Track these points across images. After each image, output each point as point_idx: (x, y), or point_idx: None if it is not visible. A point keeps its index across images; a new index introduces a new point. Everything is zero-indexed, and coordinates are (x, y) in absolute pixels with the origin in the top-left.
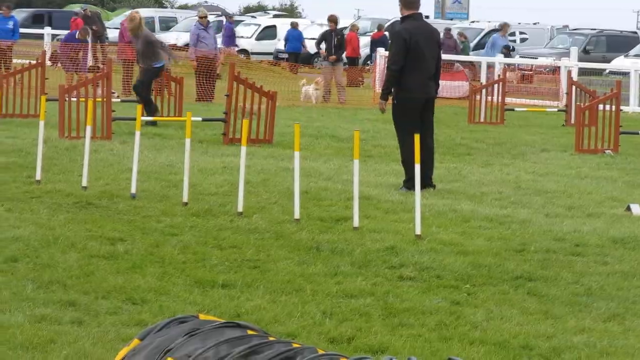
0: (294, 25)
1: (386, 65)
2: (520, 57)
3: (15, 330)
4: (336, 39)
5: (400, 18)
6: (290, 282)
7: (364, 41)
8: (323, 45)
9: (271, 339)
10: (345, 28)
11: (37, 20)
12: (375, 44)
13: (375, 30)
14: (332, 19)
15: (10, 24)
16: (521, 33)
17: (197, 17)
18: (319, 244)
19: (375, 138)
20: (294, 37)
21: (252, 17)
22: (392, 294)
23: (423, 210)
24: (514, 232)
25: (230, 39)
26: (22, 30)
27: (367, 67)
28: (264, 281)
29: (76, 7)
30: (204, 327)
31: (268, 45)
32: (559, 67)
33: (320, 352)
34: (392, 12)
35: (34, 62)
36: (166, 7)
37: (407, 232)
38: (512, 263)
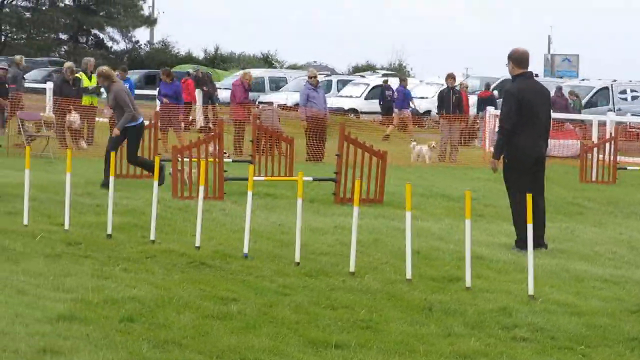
0: (403, 84)
1: (498, 124)
2: (632, 115)
3: None
4: (454, 97)
5: (512, 77)
6: (403, 342)
7: (472, 100)
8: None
9: None
10: (455, 87)
11: (149, 82)
12: (483, 102)
13: (483, 89)
14: (451, 76)
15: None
16: (632, 91)
17: (306, 77)
18: (432, 304)
19: (487, 197)
20: (404, 96)
21: (361, 76)
22: (506, 355)
23: (536, 271)
24: (629, 292)
25: (403, 102)
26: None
27: (477, 126)
28: (377, 341)
29: (188, 68)
30: None
31: (377, 105)
32: None
33: None
34: (500, 70)
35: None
36: (276, 67)
37: (520, 292)
38: (627, 324)
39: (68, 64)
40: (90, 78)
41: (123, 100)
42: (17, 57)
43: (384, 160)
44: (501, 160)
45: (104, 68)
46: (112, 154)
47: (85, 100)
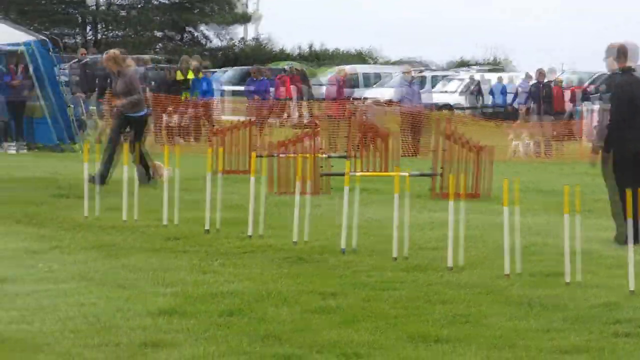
0: (499, 79)
1: (609, 118)
2: None
3: None
4: (544, 92)
5: (621, 70)
6: (503, 337)
7: (568, 95)
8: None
9: None
10: (551, 82)
11: (244, 78)
12: (582, 97)
13: (583, 84)
14: (541, 72)
15: (204, 84)
16: None
17: (401, 73)
18: (531, 299)
19: (585, 192)
20: (499, 91)
21: (456, 72)
22: (608, 350)
23: (636, 266)
24: None
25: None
26: (231, 88)
27: (572, 121)
28: (476, 336)
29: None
30: None
31: (472, 100)
32: None
33: None
34: (596, 65)
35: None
36: (370, 64)
37: (621, 287)
38: None
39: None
40: (185, 75)
41: (137, 85)
42: (146, 57)
43: (486, 155)
44: (600, 155)
45: (115, 51)
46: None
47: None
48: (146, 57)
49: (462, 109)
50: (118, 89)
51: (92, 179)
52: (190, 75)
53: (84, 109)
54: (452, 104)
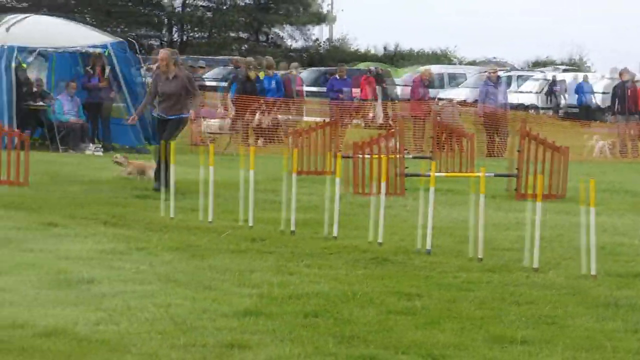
0: (585, 79)
1: None
2: None
3: None
4: (629, 91)
5: None
6: (589, 338)
7: None
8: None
9: None
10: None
11: (319, 80)
12: None
13: None
14: (625, 72)
15: (273, 83)
16: None
17: (486, 74)
18: (618, 299)
19: None
20: (583, 91)
21: (540, 71)
22: None
23: None
24: None
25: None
26: (313, 89)
27: None
28: (562, 337)
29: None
30: None
31: (550, 100)
32: None
33: None
34: None
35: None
36: (454, 64)
37: None
38: None
39: (247, 59)
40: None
41: (195, 85)
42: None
43: (565, 156)
44: None
45: (168, 51)
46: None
47: None
48: (248, 59)
49: (539, 109)
50: (169, 89)
51: (158, 187)
52: (262, 75)
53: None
54: (536, 104)
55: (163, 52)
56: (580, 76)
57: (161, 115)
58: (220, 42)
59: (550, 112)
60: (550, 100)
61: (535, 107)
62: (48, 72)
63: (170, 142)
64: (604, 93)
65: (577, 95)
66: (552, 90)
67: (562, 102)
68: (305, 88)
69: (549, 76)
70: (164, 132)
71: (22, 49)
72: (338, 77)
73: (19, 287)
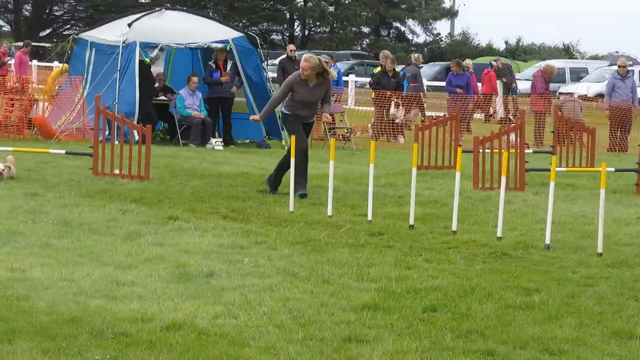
0: None
1: None
2: None
3: None
4: None
5: None
6: None
7: None
8: None
9: None
10: None
11: (440, 74)
12: None
13: None
14: None
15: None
16: None
17: (614, 67)
18: None
19: None
20: None
21: None
22: None
23: None
24: None
25: None
26: (434, 83)
27: None
28: None
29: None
30: None
31: None
32: None
33: None
34: None
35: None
36: (577, 58)
37: None
38: None
39: (385, 52)
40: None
41: (330, 94)
42: (415, 55)
43: None
44: None
45: (315, 59)
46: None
47: (372, 94)
48: (415, 55)
49: None
50: (314, 97)
51: (303, 195)
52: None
53: None
54: None
55: (309, 62)
56: None
57: (302, 119)
58: (343, 36)
59: None
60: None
61: None
62: (165, 67)
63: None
64: None
65: None
66: None
67: None
68: (427, 83)
69: None
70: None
71: (144, 45)
72: (454, 72)
73: (145, 281)
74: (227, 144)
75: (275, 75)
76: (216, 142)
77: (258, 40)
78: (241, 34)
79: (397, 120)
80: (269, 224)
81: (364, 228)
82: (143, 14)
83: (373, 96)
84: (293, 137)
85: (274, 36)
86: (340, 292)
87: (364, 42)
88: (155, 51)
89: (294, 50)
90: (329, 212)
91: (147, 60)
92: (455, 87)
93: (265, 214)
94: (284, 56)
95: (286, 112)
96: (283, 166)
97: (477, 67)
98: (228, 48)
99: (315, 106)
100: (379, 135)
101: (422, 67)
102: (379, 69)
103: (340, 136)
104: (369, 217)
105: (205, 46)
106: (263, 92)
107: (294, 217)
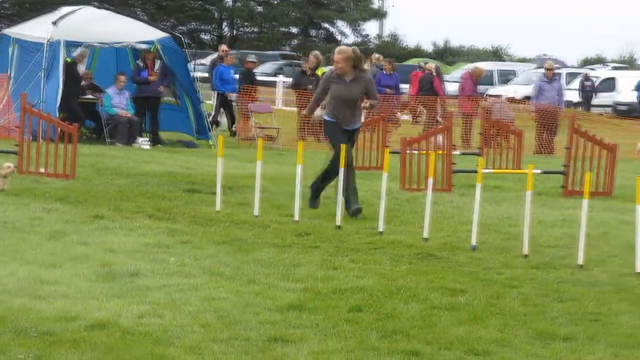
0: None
1: None
2: None
3: None
4: None
5: None
6: (633, 335)
7: None
8: None
9: None
10: None
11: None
12: None
13: None
14: None
15: None
16: None
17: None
18: None
19: None
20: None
21: (591, 69)
22: None
23: None
24: None
25: None
26: None
27: None
28: (605, 335)
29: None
30: None
31: (607, 98)
32: None
33: None
34: None
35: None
36: (505, 61)
37: None
38: None
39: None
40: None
41: (375, 89)
42: (376, 55)
43: (614, 153)
44: None
45: (347, 51)
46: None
47: None
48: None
49: (596, 106)
50: (352, 93)
51: (357, 211)
52: (319, 72)
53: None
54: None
55: (341, 54)
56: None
57: (341, 124)
58: (271, 36)
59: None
60: (581, 96)
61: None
62: (89, 65)
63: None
64: None
65: (637, 93)
66: (584, 86)
67: (594, 99)
68: None
69: (600, 74)
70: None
71: (69, 43)
72: (385, 72)
73: (69, 280)
74: (154, 143)
75: (205, 75)
76: (143, 141)
77: (184, 41)
78: (167, 35)
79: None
80: (195, 223)
81: (291, 228)
82: (69, 12)
83: None
84: (341, 147)
85: (202, 36)
86: (265, 292)
87: (293, 43)
88: (78, 50)
89: (226, 51)
90: (256, 212)
91: (69, 59)
92: (385, 87)
93: (191, 213)
94: (215, 56)
95: (327, 118)
96: (329, 175)
97: (405, 69)
98: (152, 49)
99: (356, 106)
100: (304, 136)
101: (382, 65)
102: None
103: (267, 136)
104: (296, 217)
105: (130, 47)
106: (191, 92)
107: (220, 217)
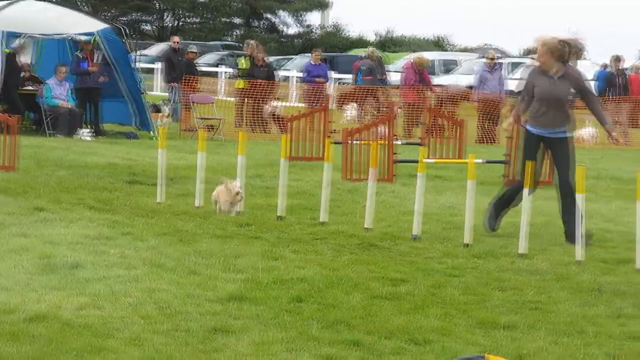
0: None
1: None
2: None
3: None
4: (621, 79)
5: None
6: (573, 323)
7: None
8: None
9: None
10: (627, 69)
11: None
12: None
13: None
14: (617, 59)
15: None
16: None
17: (482, 59)
18: (601, 285)
19: None
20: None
21: (533, 59)
22: None
23: None
24: None
25: None
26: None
27: None
28: (545, 322)
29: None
30: None
31: None
32: None
33: None
34: None
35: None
36: (447, 50)
37: None
38: None
39: (251, 42)
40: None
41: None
42: (370, 49)
43: None
44: None
45: (552, 40)
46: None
47: (240, 83)
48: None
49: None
50: (559, 91)
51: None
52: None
53: (173, 97)
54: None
55: (544, 45)
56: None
57: (537, 131)
58: (213, 27)
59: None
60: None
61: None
62: (33, 57)
63: (569, 177)
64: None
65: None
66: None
67: None
68: (297, 74)
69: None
70: (536, 153)
71: (9, 34)
72: (313, 62)
73: (8, 272)
74: (96, 134)
75: (146, 65)
76: (84, 133)
77: (124, 32)
78: (107, 26)
79: (277, 112)
80: (136, 214)
81: (232, 219)
82: (9, 2)
83: (242, 86)
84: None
85: (144, 26)
86: (206, 283)
87: (235, 33)
88: (17, 41)
89: (179, 42)
90: (197, 203)
91: (7, 50)
92: (315, 77)
93: (132, 204)
94: (168, 48)
95: (525, 126)
96: (512, 193)
97: (348, 59)
98: (93, 40)
99: (563, 108)
100: (254, 127)
101: (295, 59)
102: (243, 59)
103: (209, 127)
104: (238, 208)
105: (69, 38)
106: (131, 82)
107: (162, 208)
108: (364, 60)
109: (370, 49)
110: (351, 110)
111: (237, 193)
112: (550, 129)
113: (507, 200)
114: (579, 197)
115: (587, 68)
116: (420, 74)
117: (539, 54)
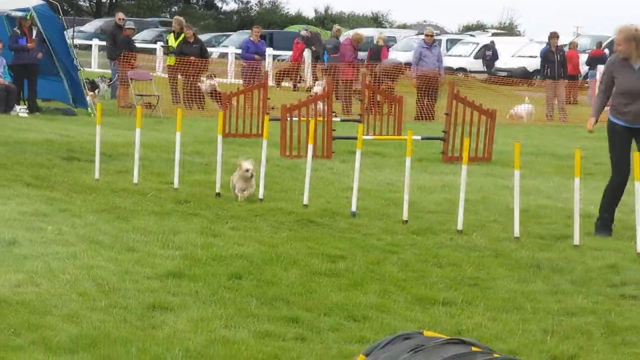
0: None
1: None
2: None
3: (241, 346)
4: (558, 56)
5: None
6: (511, 299)
7: (583, 59)
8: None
9: (496, 355)
10: (564, 45)
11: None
12: (594, 61)
13: (594, 48)
14: (555, 36)
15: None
16: None
17: (421, 36)
18: (539, 261)
19: (596, 156)
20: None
21: (471, 35)
22: (614, 313)
23: None
24: None
25: None
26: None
27: (586, 85)
28: (484, 299)
29: (297, 28)
30: (428, 344)
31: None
32: None
33: None
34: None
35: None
36: (385, 27)
37: (628, 250)
38: None
39: (179, 19)
40: (177, 38)
41: None
42: (336, 26)
43: (493, 119)
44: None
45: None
46: None
47: (170, 60)
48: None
49: (477, 72)
50: (637, 83)
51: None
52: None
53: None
54: (466, 67)
55: (623, 33)
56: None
57: (626, 124)
58: (150, 3)
59: (485, 76)
60: (485, 64)
61: (465, 71)
62: None
63: None
64: (531, 57)
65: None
66: (485, 55)
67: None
68: (235, 51)
69: (480, 40)
70: (629, 148)
71: None
72: (252, 40)
73: None
74: (32, 110)
75: (83, 42)
76: (21, 109)
77: (60, 7)
78: (42, 2)
79: (215, 89)
80: (74, 191)
81: (170, 196)
82: None
83: (172, 62)
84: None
85: (81, 2)
86: (144, 260)
87: (173, 9)
88: None
89: (123, 19)
90: (135, 180)
91: None
92: (254, 54)
93: (70, 181)
94: (112, 23)
95: (611, 119)
96: (615, 192)
97: (287, 36)
98: (28, 16)
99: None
100: (190, 103)
101: (231, 35)
102: (171, 35)
103: (147, 104)
104: (175, 185)
105: (5, 14)
106: (66, 58)
107: (100, 185)
108: (330, 39)
109: (336, 26)
110: (319, 87)
111: (247, 170)
112: (636, 122)
113: (612, 203)
114: (516, 173)
115: (527, 45)
116: (358, 51)
117: (617, 43)
